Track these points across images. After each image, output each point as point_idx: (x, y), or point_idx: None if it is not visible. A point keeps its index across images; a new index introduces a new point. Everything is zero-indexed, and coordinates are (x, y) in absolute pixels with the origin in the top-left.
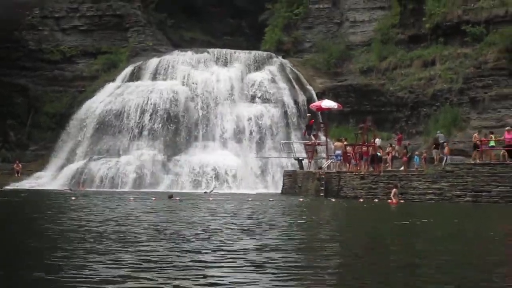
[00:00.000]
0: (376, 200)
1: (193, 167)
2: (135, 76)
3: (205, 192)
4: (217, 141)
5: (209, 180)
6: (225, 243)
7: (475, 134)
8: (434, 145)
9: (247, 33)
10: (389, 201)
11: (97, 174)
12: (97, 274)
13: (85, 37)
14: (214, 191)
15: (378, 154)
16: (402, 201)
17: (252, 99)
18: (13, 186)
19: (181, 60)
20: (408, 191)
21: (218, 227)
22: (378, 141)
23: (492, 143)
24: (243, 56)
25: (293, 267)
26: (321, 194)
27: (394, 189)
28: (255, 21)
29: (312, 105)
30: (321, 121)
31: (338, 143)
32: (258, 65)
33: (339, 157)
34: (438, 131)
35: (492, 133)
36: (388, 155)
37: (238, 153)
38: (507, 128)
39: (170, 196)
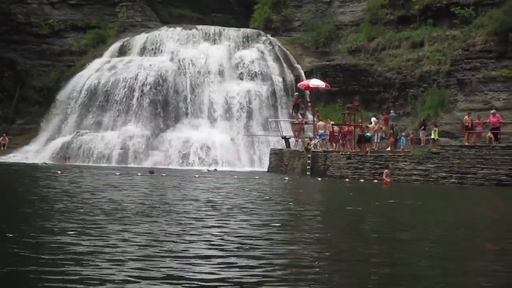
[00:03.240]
0: (362, 180)
1: (180, 144)
2: (123, 52)
3: (212, 170)
4: (204, 118)
5: (191, 156)
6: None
7: (466, 117)
8: (421, 127)
9: (236, 10)
10: (382, 181)
11: (84, 149)
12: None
13: (74, 11)
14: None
15: (368, 134)
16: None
17: (240, 76)
18: None
19: (170, 36)
20: (394, 171)
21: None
22: (374, 120)
23: (434, 136)
24: (232, 33)
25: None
26: (307, 173)
27: (386, 170)
28: None
29: (300, 84)
30: (308, 100)
31: (320, 123)
32: (247, 43)
33: (322, 137)
34: (391, 111)
35: (436, 126)
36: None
37: (226, 130)
38: (492, 111)
39: (151, 172)
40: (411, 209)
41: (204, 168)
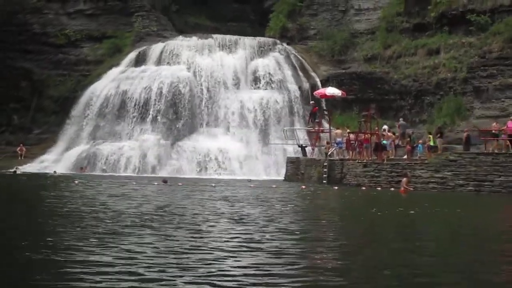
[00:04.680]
0: (379, 188)
1: (197, 152)
2: (139, 61)
3: (247, 180)
4: (221, 127)
5: (207, 165)
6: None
7: (494, 124)
8: (438, 134)
9: (252, 19)
10: (401, 189)
11: (100, 158)
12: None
13: (90, 21)
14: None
15: (384, 142)
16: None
17: (256, 85)
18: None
19: (186, 46)
20: (411, 179)
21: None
22: (385, 127)
23: (430, 143)
24: (247, 42)
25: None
26: (324, 181)
27: (404, 178)
28: (260, 7)
29: (316, 92)
30: (324, 108)
31: (338, 131)
32: (263, 52)
33: (339, 145)
34: (401, 119)
35: (430, 133)
36: (392, 143)
37: (242, 139)
38: (511, 117)
39: (165, 181)
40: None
41: (245, 178)
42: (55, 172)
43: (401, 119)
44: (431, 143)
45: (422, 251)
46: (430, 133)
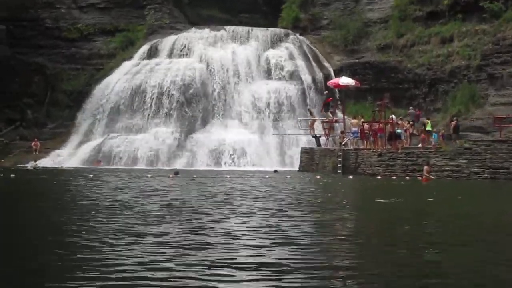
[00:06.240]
0: (394, 177)
1: (210, 144)
2: (152, 54)
3: (275, 171)
4: (234, 119)
5: (221, 157)
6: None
7: None
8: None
9: (264, 10)
10: (423, 178)
11: (114, 152)
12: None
13: (102, 15)
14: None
15: (399, 131)
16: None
17: (269, 76)
18: (30, 165)
19: (198, 38)
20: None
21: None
22: (393, 117)
23: (428, 127)
24: (260, 33)
25: None
26: (339, 171)
27: (426, 167)
28: None
29: (329, 82)
30: (337, 98)
31: (354, 121)
32: (276, 43)
33: (355, 134)
34: (411, 108)
35: (428, 118)
36: (406, 132)
37: (256, 130)
38: None
39: (176, 173)
40: None
41: (272, 169)
42: (61, 166)
43: (410, 108)
44: (428, 127)
45: None
46: (428, 119)
